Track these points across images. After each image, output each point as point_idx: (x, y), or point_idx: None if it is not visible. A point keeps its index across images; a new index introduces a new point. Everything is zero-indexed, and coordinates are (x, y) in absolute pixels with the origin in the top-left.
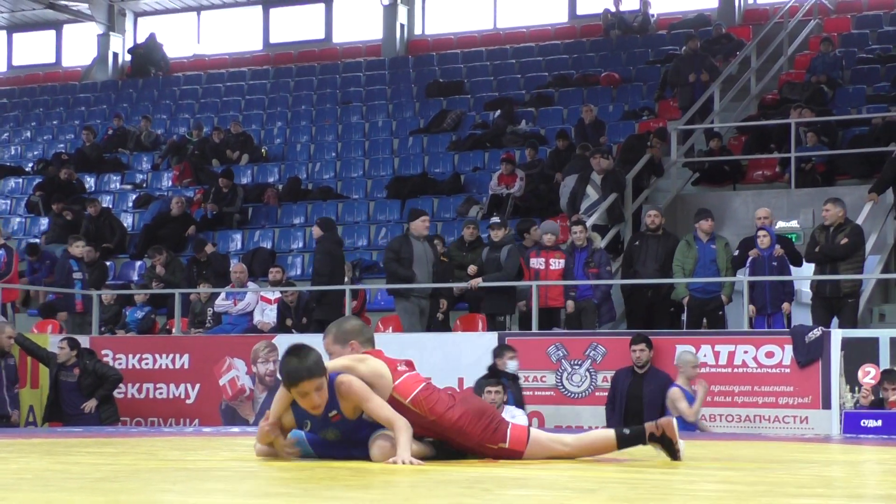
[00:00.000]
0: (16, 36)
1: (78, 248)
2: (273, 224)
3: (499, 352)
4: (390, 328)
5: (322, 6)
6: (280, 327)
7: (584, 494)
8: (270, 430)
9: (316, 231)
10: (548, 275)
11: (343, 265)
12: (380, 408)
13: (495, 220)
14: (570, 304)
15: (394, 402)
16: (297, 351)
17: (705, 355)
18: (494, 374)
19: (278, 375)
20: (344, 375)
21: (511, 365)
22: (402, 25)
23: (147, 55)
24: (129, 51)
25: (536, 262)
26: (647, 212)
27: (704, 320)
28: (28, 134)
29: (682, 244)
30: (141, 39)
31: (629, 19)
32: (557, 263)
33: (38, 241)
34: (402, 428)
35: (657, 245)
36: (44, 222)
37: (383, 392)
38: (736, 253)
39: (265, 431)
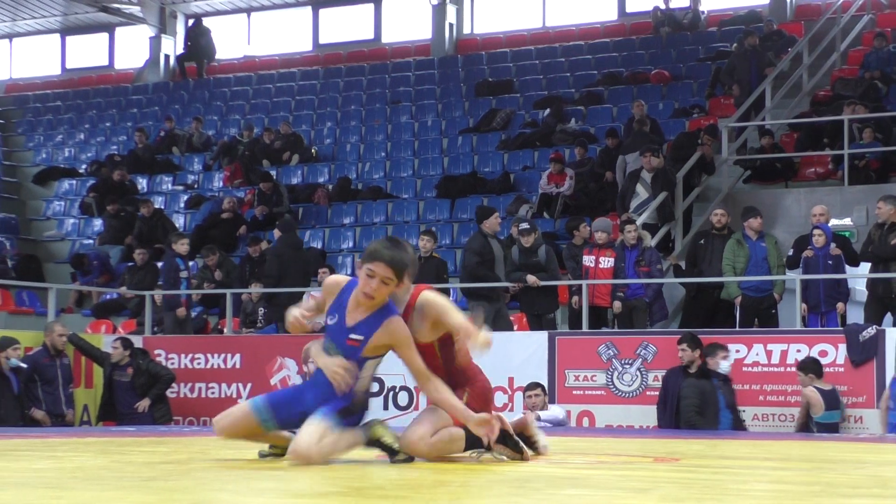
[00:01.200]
0: (69, 39)
1: (183, 246)
2: (323, 224)
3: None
4: None
5: (371, 6)
6: None
7: (636, 494)
8: (302, 320)
9: (276, 233)
10: (597, 273)
11: (298, 267)
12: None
13: (525, 226)
14: (618, 304)
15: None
16: (396, 241)
17: (757, 354)
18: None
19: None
20: (400, 323)
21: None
22: (451, 25)
23: (195, 40)
24: (186, 36)
25: (588, 260)
26: (714, 211)
27: (756, 319)
28: (81, 136)
29: (731, 243)
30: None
31: (679, 16)
32: (607, 262)
33: (83, 252)
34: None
35: (723, 244)
36: (97, 223)
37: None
38: (790, 252)
39: (298, 321)
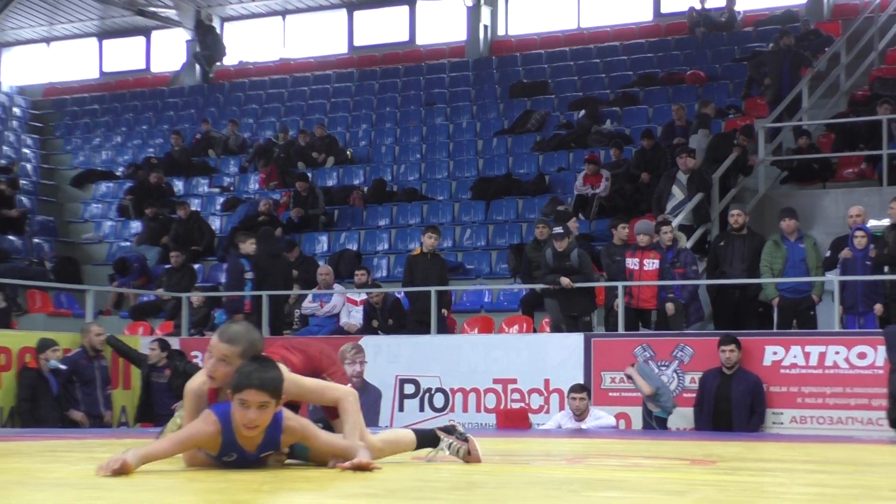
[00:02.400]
0: (106, 42)
1: (251, 246)
2: (359, 226)
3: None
4: (476, 329)
5: (406, 8)
6: (366, 329)
7: (672, 497)
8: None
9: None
10: (642, 275)
11: (277, 273)
12: (330, 443)
13: (558, 230)
14: (670, 306)
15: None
16: (261, 360)
17: (795, 356)
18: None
19: (364, 377)
20: (290, 413)
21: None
22: (485, 26)
23: (202, 40)
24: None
25: (631, 263)
26: (731, 211)
27: (794, 321)
28: (119, 139)
29: (769, 244)
30: (228, 44)
31: (715, 16)
32: (652, 264)
33: (125, 255)
34: (362, 449)
35: (743, 245)
36: (135, 225)
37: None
38: (828, 254)
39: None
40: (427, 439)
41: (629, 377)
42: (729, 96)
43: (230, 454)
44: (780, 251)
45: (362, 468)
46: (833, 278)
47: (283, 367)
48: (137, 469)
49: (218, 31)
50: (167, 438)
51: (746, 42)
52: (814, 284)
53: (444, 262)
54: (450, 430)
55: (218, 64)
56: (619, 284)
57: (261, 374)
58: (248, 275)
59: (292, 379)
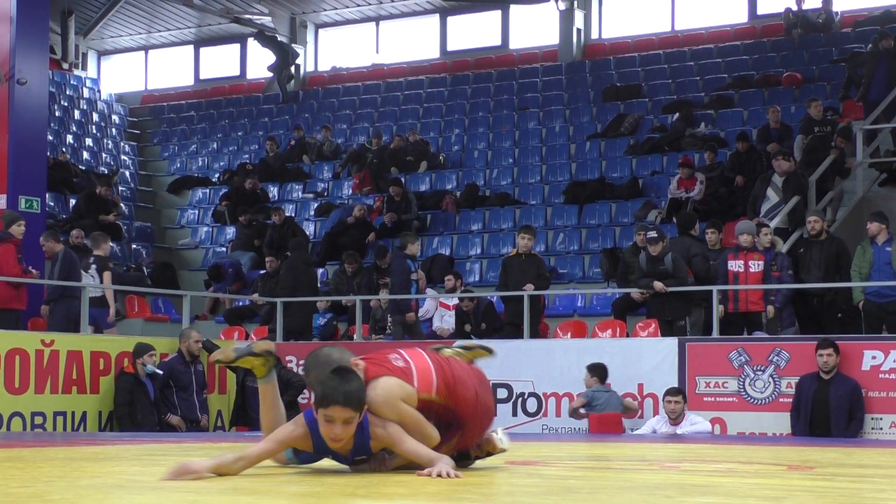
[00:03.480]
0: (202, 50)
1: (415, 247)
2: (451, 231)
3: None
4: (569, 334)
5: (499, 13)
6: (458, 333)
7: (769, 503)
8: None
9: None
10: (747, 278)
11: (308, 280)
12: (415, 451)
13: (652, 234)
14: (771, 309)
15: (423, 403)
16: (343, 372)
17: (895, 361)
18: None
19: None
20: (376, 419)
21: None
22: (578, 30)
23: (275, 47)
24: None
25: (734, 265)
26: (808, 218)
27: (884, 325)
28: (214, 145)
29: (858, 248)
30: (322, 51)
31: (812, 17)
32: (757, 266)
33: (220, 261)
34: (444, 459)
35: (820, 251)
36: (230, 231)
37: (412, 402)
38: None
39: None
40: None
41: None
42: (826, 98)
43: (326, 455)
44: (867, 255)
45: (442, 476)
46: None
47: (399, 383)
48: (242, 473)
49: (279, 37)
50: (266, 439)
51: (844, 43)
52: None
53: (540, 262)
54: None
55: (293, 71)
56: (714, 288)
57: (345, 387)
58: (414, 276)
59: (393, 402)
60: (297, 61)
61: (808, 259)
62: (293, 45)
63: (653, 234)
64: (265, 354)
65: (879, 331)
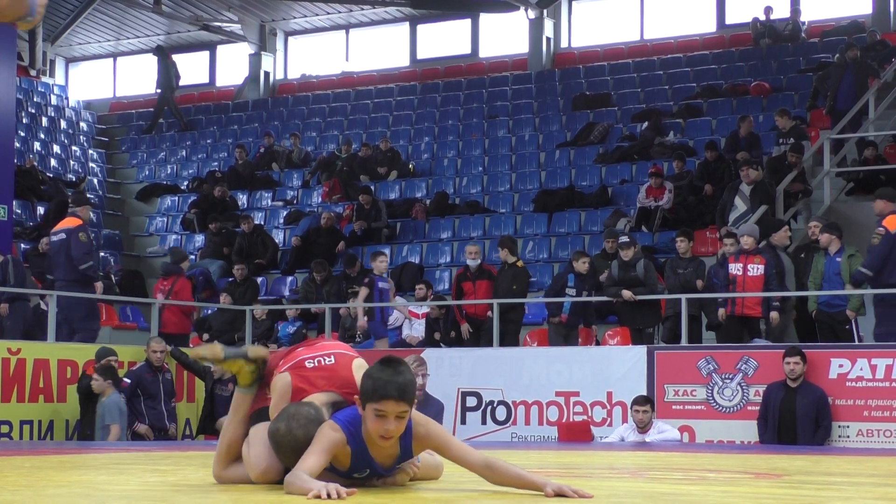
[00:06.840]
0: (172, 58)
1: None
2: (421, 239)
3: None
4: (535, 343)
5: (468, 22)
6: (428, 341)
7: None
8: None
9: None
10: (746, 281)
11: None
12: (466, 455)
13: (624, 239)
14: (775, 315)
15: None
16: (393, 363)
17: (861, 369)
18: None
19: (426, 389)
20: (420, 417)
21: None
22: (548, 39)
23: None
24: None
25: (734, 268)
26: (808, 224)
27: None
28: (183, 153)
29: (815, 258)
30: (292, 58)
31: (779, 27)
32: (756, 269)
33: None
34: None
35: (797, 261)
36: (199, 239)
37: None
38: None
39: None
40: None
41: None
42: (794, 108)
43: (362, 469)
44: (819, 265)
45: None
46: (861, 292)
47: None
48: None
49: (171, 56)
50: (310, 453)
51: (812, 53)
52: (849, 299)
53: (518, 274)
54: None
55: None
56: (682, 297)
57: (398, 379)
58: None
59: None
60: (266, 69)
61: (805, 265)
62: (263, 52)
63: (625, 238)
64: (258, 362)
65: (829, 339)
